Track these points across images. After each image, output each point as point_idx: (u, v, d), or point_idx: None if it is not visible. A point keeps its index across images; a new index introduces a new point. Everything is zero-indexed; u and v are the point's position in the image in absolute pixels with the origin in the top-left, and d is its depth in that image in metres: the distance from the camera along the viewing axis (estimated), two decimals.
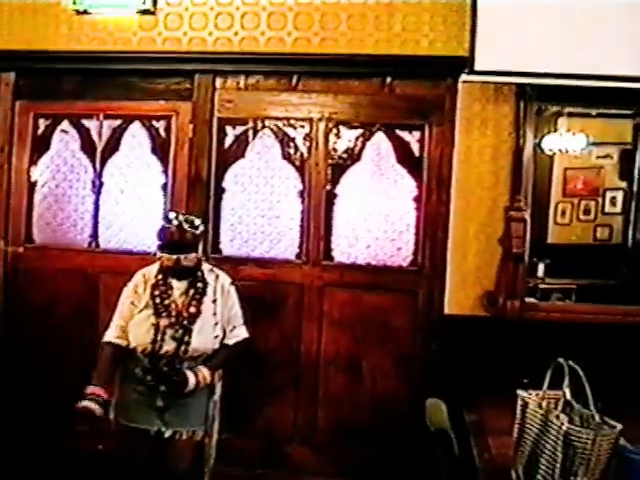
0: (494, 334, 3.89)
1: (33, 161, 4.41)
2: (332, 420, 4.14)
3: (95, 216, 4.34)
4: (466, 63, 3.80)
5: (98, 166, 4.33)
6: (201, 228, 3.21)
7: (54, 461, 4.01)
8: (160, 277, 3.18)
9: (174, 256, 3.09)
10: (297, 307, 4.14)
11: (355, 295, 4.09)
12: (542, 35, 3.70)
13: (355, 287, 4.10)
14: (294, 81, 4.13)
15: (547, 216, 6.52)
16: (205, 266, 3.27)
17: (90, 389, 3.01)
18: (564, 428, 2.30)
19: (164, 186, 4.26)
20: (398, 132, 4.09)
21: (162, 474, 3.20)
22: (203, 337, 3.12)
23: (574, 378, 2.43)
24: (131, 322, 3.14)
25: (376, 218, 4.12)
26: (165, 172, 4.26)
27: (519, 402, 2.62)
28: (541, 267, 5.84)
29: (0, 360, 4.35)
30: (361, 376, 4.09)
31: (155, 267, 3.22)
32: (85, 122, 4.36)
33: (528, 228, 3.92)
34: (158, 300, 3.13)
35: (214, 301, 3.19)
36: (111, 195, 4.33)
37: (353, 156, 4.12)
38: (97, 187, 4.32)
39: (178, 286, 3.16)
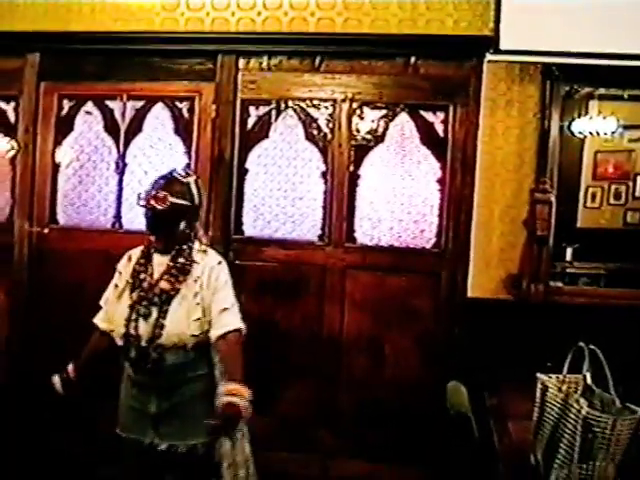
0: (517, 318, 3.88)
1: (57, 142, 4.44)
2: (354, 402, 4.14)
3: (118, 197, 4.37)
4: (491, 42, 3.78)
5: (122, 147, 4.36)
6: (190, 180, 2.90)
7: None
8: (144, 251, 2.91)
9: (145, 192, 2.83)
10: (319, 289, 4.14)
11: (378, 277, 4.10)
12: (569, 13, 3.67)
13: (378, 269, 4.10)
14: (317, 61, 4.13)
15: (577, 200, 6.47)
16: (196, 244, 2.91)
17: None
18: (583, 412, 2.29)
19: (187, 167, 4.24)
20: (422, 113, 4.07)
21: None
22: (178, 319, 2.75)
23: (597, 362, 2.41)
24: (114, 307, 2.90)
25: (399, 200, 4.12)
26: (188, 153, 4.28)
27: (539, 386, 2.62)
28: (569, 251, 5.78)
29: (24, 342, 4.44)
30: (383, 358, 4.09)
31: (142, 246, 2.97)
32: (109, 103, 4.39)
33: (553, 210, 3.89)
34: (135, 274, 2.85)
35: (196, 280, 2.81)
36: (134, 176, 4.36)
37: (376, 137, 4.11)
38: (120, 168, 4.35)
39: (160, 261, 2.85)
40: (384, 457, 4.07)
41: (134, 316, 2.77)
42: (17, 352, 4.42)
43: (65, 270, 4.34)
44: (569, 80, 4.00)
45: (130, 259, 2.95)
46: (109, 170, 4.40)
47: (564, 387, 2.52)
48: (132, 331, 2.75)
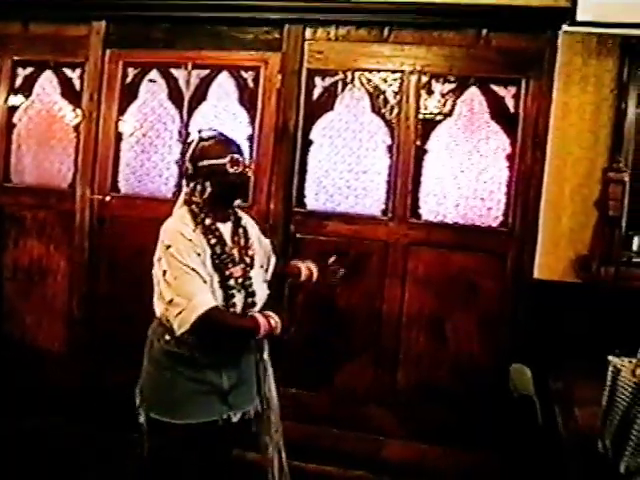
0: (585, 301, 3.82)
1: (121, 110, 4.52)
2: (412, 382, 4.15)
3: (181, 166, 4.37)
4: (567, 13, 3.70)
5: (185, 116, 4.41)
6: None
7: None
8: (208, 222, 2.64)
9: (241, 157, 2.67)
10: (381, 265, 4.14)
11: (441, 255, 4.07)
12: None
13: (442, 246, 4.08)
14: (386, 32, 4.11)
15: None
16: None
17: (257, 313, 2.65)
18: None
19: (250, 137, 4.31)
20: (493, 87, 4.03)
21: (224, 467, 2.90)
22: (261, 283, 2.79)
23: None
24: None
25: (466, 176, 4.09)
26: (252, 123, 4.32)
27: (610, 369, 2.59)
28: (636, 241, 5.63)
29: (83, 308, 4.55)
30: (444, 338, 4.09)
31: (187, 217, 2.66)
32: (173, 71, 4.44)
33: (627, 191, 3.80)
34: (219, 250, 2.63)
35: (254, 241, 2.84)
36: None
37: (445, 111, 4.08)
38: (184, 137, 4.39)
39: (224, 230, 2.71)
40: (441, 439, 4.08)
41: (229, 292, 2.63)
42: (76, 319, 4.49)
43: (125, 238, 4.42)
44: None
45: (194, 231, 2.63)
46: (172, 139, 4.46)
47: (638, 371, 2.46)
48: (230, 309, 2.64)
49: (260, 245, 2.90)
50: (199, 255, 2.57)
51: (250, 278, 2.72)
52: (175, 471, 2.72)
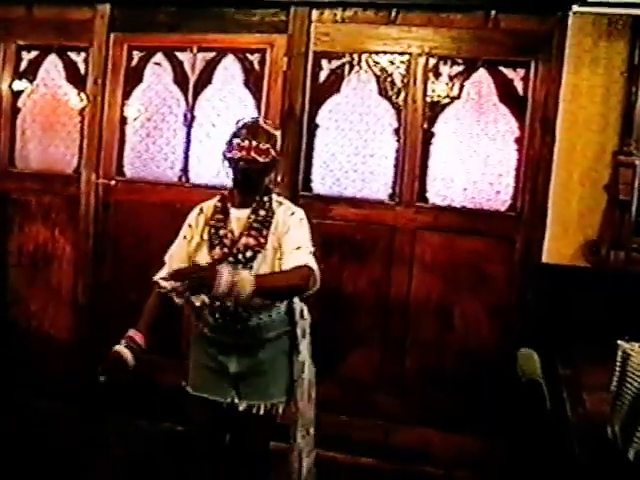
0: (594, 286, 3.81)
1: (126, 94, 4.50)
2: (420, 368, 4.14)
3: (186, 150, 4.42)
4: None
5: (190, 99, 4.39)
6: (278, 133, 2.84)
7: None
8: (218, 205, 2.78)
9: (245, 141, 2.65)
10: (388, 250, 4.12)
11: (449, 239, 4.06)
12: None
13: (449, 231, 4.06)
14: (393, 14, 4.07)
15: None
16: (274, 196, 2.81)
17: (129, 332, 2.69)
18: None
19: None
20: (501, 69, 3.99)
21: (229, 453, 2.91)
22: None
23: None
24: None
25: (474, 159, 4.05)
26: (258, 106, 4.29)
27: (619, 354, 2.56)
28: None
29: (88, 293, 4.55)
30: (452, 323, 4.07)
31: (214, 200, 2.85)
32: (179, 55, 4.42)
33: (637, 174, 3.77)
34: (213, 231, 2.72)
35: (274, 234, 2.70)
36: (203, 129, 4.40)
37: (453, 94, 4.05)
38: (189, 121, 4.39)
39: (238, 215, 2.74)
40: (448, 425, 4.07)
41: None
42: (81, 304, 4.49)
43: (131, 223, 4.41)
44: None
45: (201, 212, 2.83)
46: (177, 123, 4.44)
47: None
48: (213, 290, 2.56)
49: (283, 232, 2.70)
50: (190, 227, 2.82)
51: (244, 266, 2.62)
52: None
